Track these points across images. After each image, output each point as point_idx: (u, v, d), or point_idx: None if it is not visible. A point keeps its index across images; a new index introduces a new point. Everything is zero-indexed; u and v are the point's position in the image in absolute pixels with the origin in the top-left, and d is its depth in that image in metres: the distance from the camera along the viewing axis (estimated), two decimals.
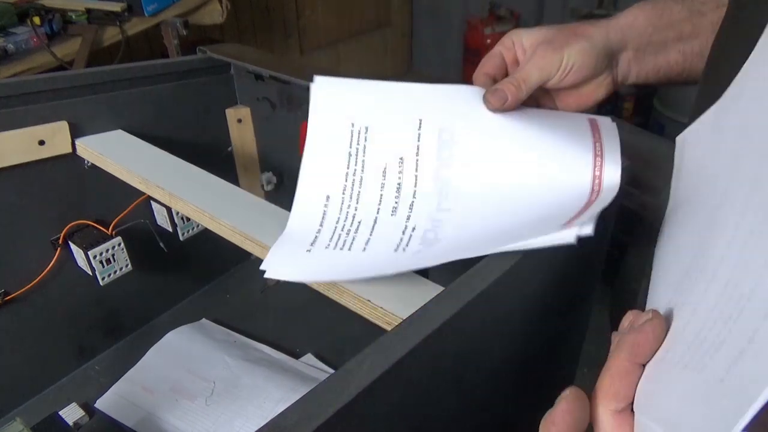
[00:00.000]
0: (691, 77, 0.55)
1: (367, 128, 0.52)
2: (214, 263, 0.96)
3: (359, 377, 0.30)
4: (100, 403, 0.76)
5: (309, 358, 0.83)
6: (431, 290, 0.45)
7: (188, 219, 0.81)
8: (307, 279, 0.46)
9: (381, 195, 0.50)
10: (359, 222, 0.48)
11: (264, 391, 0.75)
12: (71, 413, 0.73)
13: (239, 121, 0.87)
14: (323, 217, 0.50)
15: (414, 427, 0.39)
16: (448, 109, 0.52)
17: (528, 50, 0.54)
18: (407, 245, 0.46)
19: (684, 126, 0.42)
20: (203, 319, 0.89)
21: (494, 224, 0.45)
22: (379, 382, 0.31)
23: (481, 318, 0.40)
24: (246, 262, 0.99)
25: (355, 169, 0.51)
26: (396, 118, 0.52)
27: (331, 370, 0.81)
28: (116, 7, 1.39)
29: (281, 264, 0.46)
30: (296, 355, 0.83)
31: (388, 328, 0.43)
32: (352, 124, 0.52)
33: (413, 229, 0.48)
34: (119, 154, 0.67)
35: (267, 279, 0.44)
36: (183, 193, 0.60)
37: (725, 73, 0.35)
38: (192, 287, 0.94)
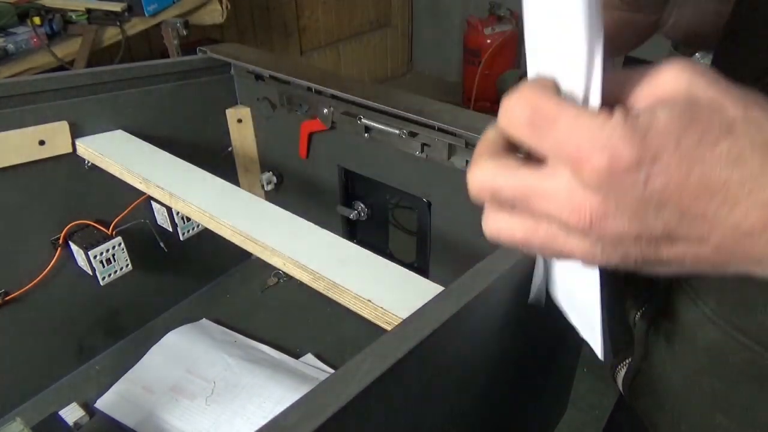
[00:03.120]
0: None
1: None
2: (214, 263, 0.96)
3: (359, 377, 0.30)
4: (100, 403, 0.76)
5: (309, 358, 0.83)
6: (431, 290, 0.45)
7: (188, 219, 0.81)
8: None
9: None
10: None
11: (264, 390, 0.75)
12: (71, 413, 0.73)
13: (239, 121, 0.87)
14: None
15: (414, 428, 0.39)
16: None
17: None
18: None
19: None
20: (203, 319, 0.89)
21: None
22: (379, 382, 0.31)
23: (481, 318, 0.40)
24: (246, 262, 0.99)
25: None
26: None
27: (331, 370, 0.81)
28: (116, 7, 1.39)
29: None
30: (296, 355, 0.83)
31: (388, 328, 0.43)
32: None
33: None
34: (119, 154, 0.67)
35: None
36: (183, 193, 0.60)
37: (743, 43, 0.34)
38: (192, 287, 0.94)
